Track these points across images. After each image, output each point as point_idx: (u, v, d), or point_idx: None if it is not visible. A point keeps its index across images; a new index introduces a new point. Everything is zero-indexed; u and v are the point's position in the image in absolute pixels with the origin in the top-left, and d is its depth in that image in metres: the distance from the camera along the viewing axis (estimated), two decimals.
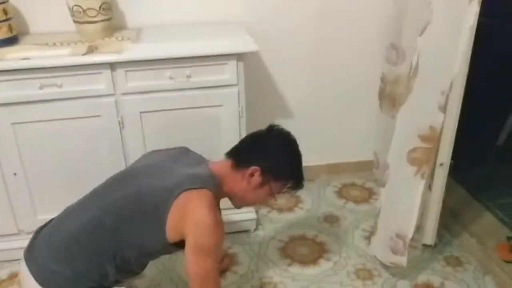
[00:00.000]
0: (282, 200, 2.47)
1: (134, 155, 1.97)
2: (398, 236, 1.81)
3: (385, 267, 1.99)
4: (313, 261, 2.05)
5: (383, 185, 1.85)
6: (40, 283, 1.37)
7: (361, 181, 2.64)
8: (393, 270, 1.97)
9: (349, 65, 2.46)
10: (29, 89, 1.79)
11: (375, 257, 2.02)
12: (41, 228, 1.53)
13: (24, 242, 2.05)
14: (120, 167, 1.96)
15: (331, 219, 2.32)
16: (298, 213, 2.37)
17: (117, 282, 1.46)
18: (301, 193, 2.52)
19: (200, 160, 1.61)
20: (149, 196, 1.43)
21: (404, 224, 1.79)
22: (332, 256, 2.08)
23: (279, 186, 1.56)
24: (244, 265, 2.03)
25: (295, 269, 2.01)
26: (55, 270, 1.38)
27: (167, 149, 1.68)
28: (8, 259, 2.06)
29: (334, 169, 2.69)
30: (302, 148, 2.61)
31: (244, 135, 2.02)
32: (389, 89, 2.32)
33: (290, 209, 2.40)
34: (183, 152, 1.64)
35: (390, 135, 2.40)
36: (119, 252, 1.40)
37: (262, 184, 1.53)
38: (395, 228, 1.82)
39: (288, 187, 1.59)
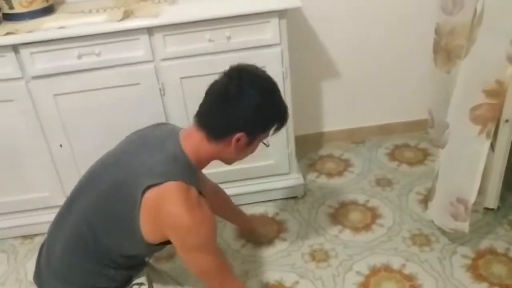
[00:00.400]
0: (331, 164, 2.38)
1: (177, 123, 1.92)
2: (459, 200, 1.68)
3: (444, 232, 1.87)
4: (365, 227, 1.96)
5: (442, 146, 1.72)
6: None
7: (414, 142, 2.49)
8: (453, 236, 1.85)
9: (399, 19, 2.28)
10: (68, 59, 1.75)
11: (433, 222, 1.91)
12: (40, 249, 1.43)
13: None
14: None
15: (383, 183, 2.21)
16: (348, 178, 2.27)
17: (132, 276, 1.40)
18: (351, 156, 2.42)
19: (167, 135, 1.34)
20: (111, 202, 1.27)
21: (465, 188, 1.66)
22: (385, 222, 1.98)
23: (267, 134, 1.36)
24: (293, 232, 1.97)
25: (347, 235, 1.93)
26: None
27: (139, 130, 1.46)
28: None
29: (385, 130, 2.55)
30: (352, 109, 2.50)
31: (289, 97, 1.93)
32: (445, 41, 2.14)
33: (340, 174, 2.30)
34: (154, 130, 1.41)
35: (445, 91, 2.24)
36: (107, 258, 1.30)
37: (250, 142, 1.32)
38: (455, 192, 1.69)
39: (278, 128, 1.36)
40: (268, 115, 1.31)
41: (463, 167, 1.64)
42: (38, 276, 1.39)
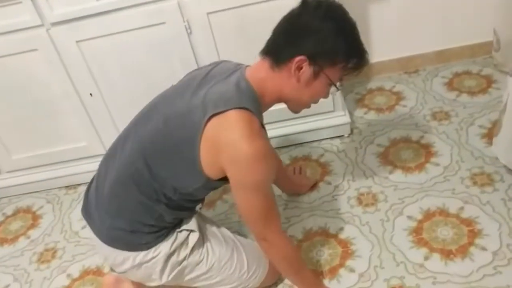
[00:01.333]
0: (381, 98, 2.17)
1: (208, 63, 1.79)
2: None
3: (510, 170, 1.66)
4: (419, 166, 1.78)
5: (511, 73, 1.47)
6: (104, 242, 1.30)
7: (477, 68, 2.21)
8: None
9: None
10: (86, 1, 1.64)
11: (497, 159, 1.70)
12: (90, 183, 1.41)
13: None
14: None
15: (440, 116, 1.99)
16: (400, 112, 2.07)
17: (181, 220, 1.35)
18: (403, 88, 2.19)
19: (233, 70, 1.27)
20: (173, 134, 1.21)
21: None
22: (442, 160, 1.79)
23: (337, 71, 1.22)
24: (338, 175, 1.83)
25: (398, 176, 1.77)
26: (110, 226, 1.28)
27: (202, 67, 1.39)
28: None
29: (442, 56, 2.27)
30: (403, 35, 2.22)
31: None
32: None
33: (391, 108, 2.10)
34: (217, 67, 1.32)
35: None
36: (160, 193, 1.24)
37: (315, 75, 1.19)
38: None
39: (350, 68, 1.23)
40: (334, 37, 1.16)
41: None
42: (86, 210, 1.36)
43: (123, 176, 1.26)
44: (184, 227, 1.33)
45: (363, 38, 1.26)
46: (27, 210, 2.05)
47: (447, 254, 1.47)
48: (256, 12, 1.68)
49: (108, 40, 1.73)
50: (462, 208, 1.60)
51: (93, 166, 2.04)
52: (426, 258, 1.48)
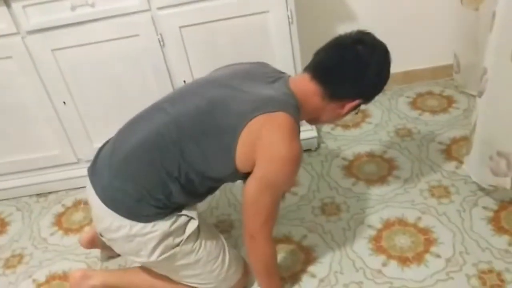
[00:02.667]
0: (348, 115, 2.25)
1: (180, 75, 1.86)
2: (500, 154, 1.52)
3: (465, 183, 1.75)
4: (381, 179, 1.86)
5: (479, 95, 1.53)
6: (104, 203, 1.30)
7: (439, 89, 2.32)
8: (474, 187, 1.73)
9: None
10: (62, 11, 1.69)
11: (455, 173, 1.79)
12: (103, 146, 1.43)
13: (84, 170, 2.08)
14: (167, 88, 1.86)
15: (402, 133, 2.08)
16: (366, 129, 2.15)
17: (184, 205, 1.36)
18: (369, 106, 2.28)
19: (278, 76, 1.36)
20: (216, 117, 1.26)
21: (508, 141, 1.49)
22: (403, 173, 1.87)
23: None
24: (304, 186, 1.89)
25: (360, 188, 1.84)
26: (118, 188, 1.29)
27: (242, 64, 1.46)
28: (71, 187, 2.10)
29: (408, 77, 2.38)
30: None
31: (296, 44, 1.81)
32: None
33: (357, 125, 2.18)
34: (258, 68, 1.41)
35: (473, 32, 2.05)
36: (182, 172, 1.27)
37: (354, 108, 1.37)
38: (496, 145, 1.52)
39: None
40: (382, 84, 1.36)
41: (505, 117, 1.46)
42: (93, 168, 1.37)
43: (150, 144, 1.27)
44: (185, 212, 1.35)
45: None
46: None
47: (404, 261, 1.53)
48: (226, 27, 1.76)
49: (83, 50, 1.77)
50: (419, 218, 1.67)
51: (65, 174, 2.09)
52: (384, 265, 1.54)
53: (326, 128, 2.19)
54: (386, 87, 2.38)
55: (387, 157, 1.97)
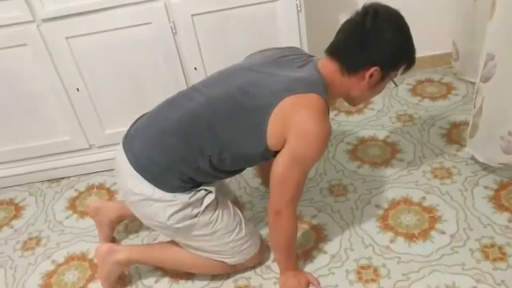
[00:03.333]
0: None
1: (191, 62, 1.91)
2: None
3: (467, 164, 1.84)
4: (385, 162, 1.94)
5: (485, 80, 1.60)
6: (135, 167, 1.37)
7: (438, 76, 2.40)
8: (476, 167, 1.81)
9: None
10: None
11: (456, 155, 1.87)
12: (138, 119, 1.50)
13: (96, 156, 2.15)
14: (178, 75, 1.91)
15: (404, 118, 2.16)
16: (368, 114, 2.23)
17: (206, 182, 1.43)
18: None
19: (307, 60, 1.43)
20: (249, 99, 1.33)
21: None
22: (406, 156, 1.94)
23: (397, 72, 1.43)
24: (312, 169, 1.94)
25: (365, 170, 1.91)
26: (149, 156, 1.36)
27: (273, 49, 1.52)
28: (84, 173, 2.15)
29: None
30: None
31: (304, 32, 1.88)
32: None
33: (360, 111, 2.26)
34: (289, 52, 1.46)
35: (472, 20, 2.13)
36: (215, 151, 1.34)
37: (382, 79, 1.39)
38: (508, 126, 1.60)
39: (406, 68, 1.44)
40: (402, 52, 1.38)
41: None
42: (127, 136, 1.45)
43: (186, 123, 1.35)
44: (203, 187, 1.42)
45: None
46: (10, 202, 2.09)
47: (410, 237, 1.61)
48: (237, 15, 1.81)
49: (96, 37, 1.82)
50: (424, 198, 1.75)
51: (77, 160, 2.14)
52: (391, 241, 1.61)
53: (330, 114, 2.25)
54: None
55: (390, 141, 2.04)
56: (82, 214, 1.95)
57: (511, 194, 1.70)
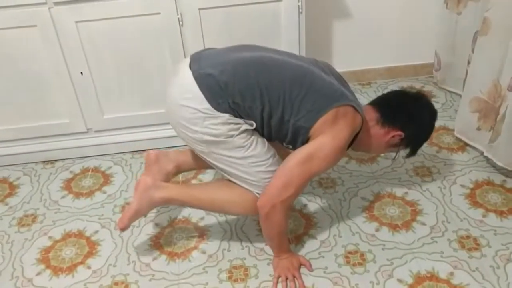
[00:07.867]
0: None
1: None
2: None
3: (445, 164, 1.99)
4: (371, 159, 2.07)
5: (510, 89, 1.74)
6: (197, 80, 1.43)
7: (419, 85, 2.57)
8: (454, 168, 1.97)
9: None
10: None
11: (436, 156, 2.01)
12: (207, 49, 1.61)
13: (93, 140, 2.19)
14: None
15: None
16: None
17: (255, 130, 1.50)
18: (357, 96, 2.49)
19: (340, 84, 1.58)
20: (320, 83, 1.46)
21: None
22: (390, 155, 2.08)
23: (403, 149, 1.64)
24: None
25: (352, 166, 2.04)
26: (213, 75, 1.42)
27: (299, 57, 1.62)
28: (79, 156, 2.20)
29: (392, 72, 2.62)
30: (360, 51, 2.56)
31: (303, 32, 1.99)
32: None
33: None
34: (328, 68, 1.61)
35: (454, 33, 2.30)
36: (273, 105, 1.43)
37: (394, 146, 1.60)
38: None
39: (408, 154, 1.67)
40: (424, 137, 1.64)
41: None
42: (195, 56, 1.53)
43: (253, 66, 1.45)
44: (245, 119, 1.48)
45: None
46: (4, 180, 2.10)
47: (394, 227, 1.74)
48: (241, 12, 1.92)
49: (105, 23, 1.88)
50: (406, 193, 1.88)
51: (73, 143, 2.18)
52: (377, 230, 1.74)
53: None
54: (372, 80, 2.64)
55: None
56: (78, 195, 2.00)
57: (485, 192, 1.85)
